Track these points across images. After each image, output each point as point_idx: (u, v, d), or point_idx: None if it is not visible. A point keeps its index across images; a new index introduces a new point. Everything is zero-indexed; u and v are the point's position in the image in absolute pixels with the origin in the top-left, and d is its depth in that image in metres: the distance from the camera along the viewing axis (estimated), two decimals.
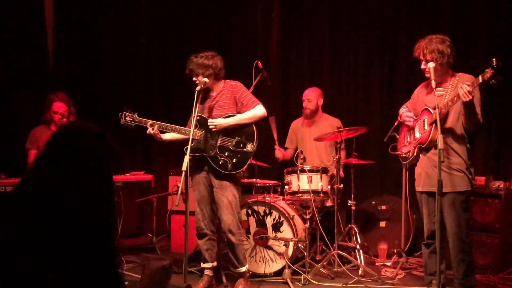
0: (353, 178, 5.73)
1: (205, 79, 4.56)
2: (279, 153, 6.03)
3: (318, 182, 5.28)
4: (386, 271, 5.42)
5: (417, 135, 4.29)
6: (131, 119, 4.71)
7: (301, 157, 5.61)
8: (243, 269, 4.76)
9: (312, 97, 6.01)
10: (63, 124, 2.16)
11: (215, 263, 4.84)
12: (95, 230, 1.92)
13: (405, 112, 4.50)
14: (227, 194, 4.62)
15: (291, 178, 5.39)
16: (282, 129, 6.58)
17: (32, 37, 6.94)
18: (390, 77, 6.65)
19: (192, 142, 4.54)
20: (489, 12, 6.04)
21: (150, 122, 4.64)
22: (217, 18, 7.36)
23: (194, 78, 4.65)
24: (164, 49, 7.55)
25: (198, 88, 4.46)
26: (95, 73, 7.42)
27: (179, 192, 4.05)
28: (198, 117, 4.67)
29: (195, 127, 4.65)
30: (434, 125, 4.05)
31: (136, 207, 7.14)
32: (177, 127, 4.62)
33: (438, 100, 4.03)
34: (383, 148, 6.30)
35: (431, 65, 4.04)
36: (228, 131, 4.65)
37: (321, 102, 6.06)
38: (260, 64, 5.49)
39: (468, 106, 3.86)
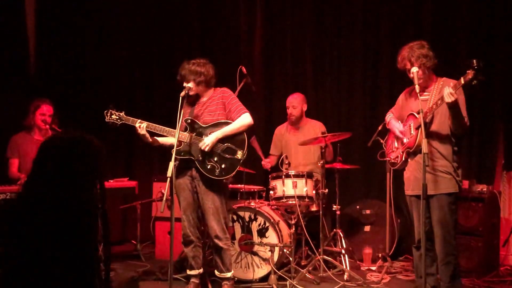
0: (338, 182, 5.74)
1: (190, 85, 4.54)
2: (267, 164, 6.02)
3: (303, 187, 5.28)
4: (371, 275, 5.43)
5: (405, 140, 4.31)
6: (117, 117, 4.63)
7: (286, 162, 5.61)
8: (229, 274, 4.74)
9: (296, 103, 6.01)
10: (48, 137, 2.17)
11: (201, 270, 4.82)
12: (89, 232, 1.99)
13: (394, 123, 4.48)
14: (213, 199, 4.61)
15: (276, 183, 5.38)
16: (266, 135, 6.59)
17: (13, 42, 6.86)
18: (373, 82, 6.67)
19: (180, 145, 4.54)
20: (469, 17, 6.10)
21: (139, 121, 4.57)
22: (200, 23, 7.33)
23: (185, 84, 4.63)
24: (147, 56, 7.50)
25: (182, 93, 4.43)
26: (77, 78, 7.36)
27: (164, 198, 4.02)
28: (189, 120, 4.65)
29: (185, 130, 4.63)
30: (420, 129, 4.08)
31: (120, 214, 7.07)
32: (166, 128, 4.56)
33: (422, 105, 4.06)
34: (367, 152, 6.34)
35: (414, 69, 4.06)
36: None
37: (305, 107, 6.07)
38: (244, 70, 5.49)
39: (452, 108, 3.89)
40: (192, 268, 4.77)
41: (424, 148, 3.75)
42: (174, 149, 4.17)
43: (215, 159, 4.59)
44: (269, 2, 7.09)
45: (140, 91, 7.51)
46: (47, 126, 5.48)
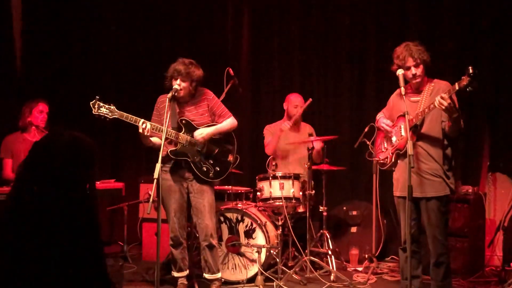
0: (325, 184, 5.75)
1: (176, 87, 4.51)
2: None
3: (290, 189, 5.29)
4: (357, 276, 5.45)
5: (394, 139, 4.30)
6: (107, 110, 4.34)
7: (273, 163, 5.61)
8: (219, 275, 4.79)
9: (301, 103, 5.98)
10: (43, 136, 2.14)
11: (187, 271, 4.85)
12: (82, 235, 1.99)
13: (382, 119, 4.46)
14: (207, 199, 4.69)
15: (263, 184, 5.38)
16: (252, 136, 6.60)
17: None
18: (360, 84, 6.70)
19: (176, 146, 4.57)
20: (453, 17, 6.14)
21: (142, 120, 4.39)
22: (187, 25, 7.31)
23: (174, 81, 4.58)
24: (134, 59, 7.44)
25: (169, 95, 4.39)
26: (64, 80, 7.30)
27: (151, 200, 4.00)
28: (184, 121, 4.66)
29: (181, 131, 4.64)
30: (410, 131, 4.09)
31: (106, 216, 7.03)
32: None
33: (413, 107, 4.07)
34: (354, 154, 6.36)
35: (400, 72, 4.06)
36: (213, 140, 4.72)
37: None
38: (231, 72, 5.49)
39: (450, 112, 3.83)
40: (180, 270, 4.79)
41: (410, 150, 3.74)
42: (161, 151, 4.07)
43: (211, 161, 4.70)
44: (256, 4, 7.10)
45: (126, 91, 7.45)
46: (44, 125, 5.42)
